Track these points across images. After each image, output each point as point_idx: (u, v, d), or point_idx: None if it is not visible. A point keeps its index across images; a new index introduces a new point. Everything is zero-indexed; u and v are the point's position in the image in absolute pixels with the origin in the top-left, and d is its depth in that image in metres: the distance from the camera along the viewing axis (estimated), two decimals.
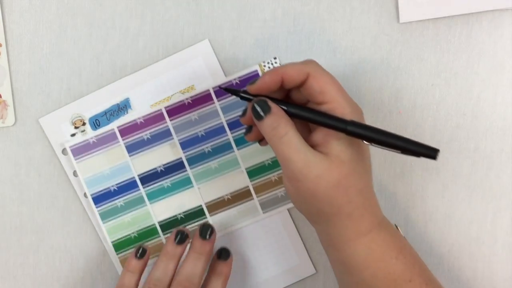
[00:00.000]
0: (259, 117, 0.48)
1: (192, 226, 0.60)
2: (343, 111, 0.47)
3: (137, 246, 0.59)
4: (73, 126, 0.59)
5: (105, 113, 0.59)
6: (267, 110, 0.47)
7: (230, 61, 0.59)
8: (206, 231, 0.57)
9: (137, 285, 0.57)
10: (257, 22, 0.59)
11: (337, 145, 0.47)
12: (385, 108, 0.59)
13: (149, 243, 0.60)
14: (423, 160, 0.59)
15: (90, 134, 0.59)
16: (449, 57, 0.58)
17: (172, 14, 0.59)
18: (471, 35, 0.58)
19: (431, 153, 0.46)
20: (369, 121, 0.59)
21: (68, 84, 0.59)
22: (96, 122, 0.59)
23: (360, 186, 0.48)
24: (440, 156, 0.59)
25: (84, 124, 0.59)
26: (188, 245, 0.58)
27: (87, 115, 0.59)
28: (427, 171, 0.59)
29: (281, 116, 0.47)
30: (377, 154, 0.59)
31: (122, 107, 0.59)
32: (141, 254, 0.57)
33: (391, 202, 0.59)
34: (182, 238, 0.57)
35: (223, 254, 0.58)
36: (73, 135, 0.59)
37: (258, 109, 0.48)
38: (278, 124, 0.47)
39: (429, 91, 0.59)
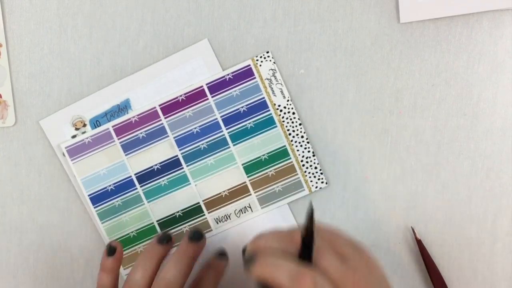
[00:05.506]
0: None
1: (190, 224, 0.60)
2: None
3: (108, 243, 0.56)
4: (74, 128, 0.59)
5: (105, 114, 0.59)
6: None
7: (230, 61, 0.59)
8: (195, 235, 0.54)
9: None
10: (257, 22, 0.59)
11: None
12: (385, 108, 0.59)
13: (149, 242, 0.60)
14: (423, 160, 0.59)
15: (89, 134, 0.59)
16: (449, 57, 0.58)
17: (172, 14, 0.59)
18: (472, 35, 0.58)
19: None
20: (369, 120, 0.59)
21: (69, 84, 0.59)
22: (96, 123, 0.59)
23: None
24: (440, 156, 0.59)
25: (84, 125, 0.59)
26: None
27: (88, 116, 0.59)
28: (427, 171, 0.59)
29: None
30: (377, 154, 0.59)
31: (123, 108, 0.59)
32: (112, 251, 0.55)
33: (391, 202, 0.59)
34: (164, 239, 0.54)
35: (219, 254, 0.58)
36: (73, 136, 0.59)
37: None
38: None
39: (429, 91, 0.59)
